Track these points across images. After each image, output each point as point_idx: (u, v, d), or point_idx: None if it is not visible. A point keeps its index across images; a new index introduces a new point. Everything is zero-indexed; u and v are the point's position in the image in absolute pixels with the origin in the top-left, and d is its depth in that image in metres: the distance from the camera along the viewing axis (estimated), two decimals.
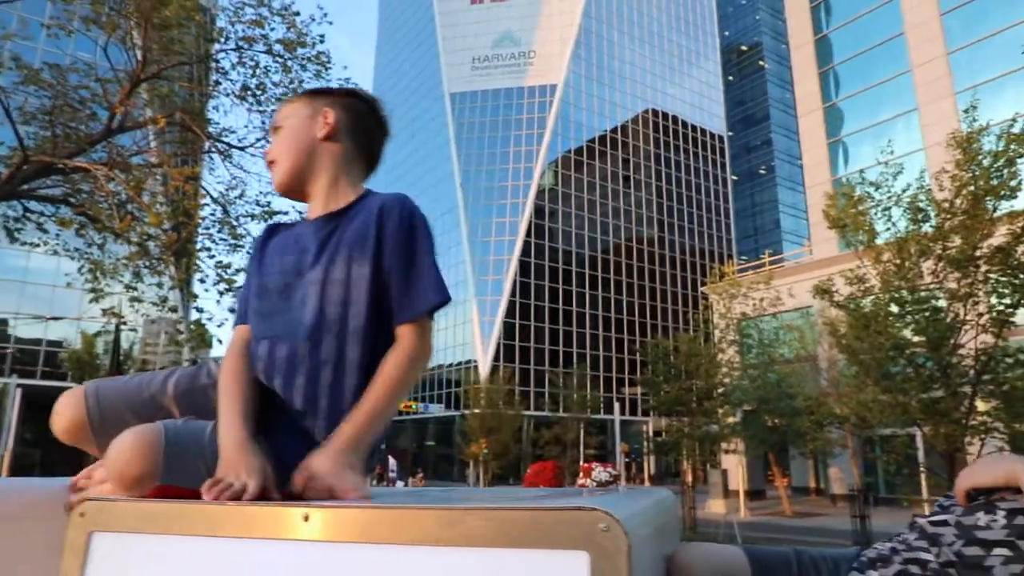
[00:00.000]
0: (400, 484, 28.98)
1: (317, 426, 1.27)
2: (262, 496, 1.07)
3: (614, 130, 70.57)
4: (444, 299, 1.30)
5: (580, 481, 14.14)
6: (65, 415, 1.32)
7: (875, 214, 14.26)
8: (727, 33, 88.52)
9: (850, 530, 16.66)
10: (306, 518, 0.88)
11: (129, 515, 1.00)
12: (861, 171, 16.48)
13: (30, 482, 1.41)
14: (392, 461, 29.43)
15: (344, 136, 1.47)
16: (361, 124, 1.50)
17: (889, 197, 14.16)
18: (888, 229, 13.92)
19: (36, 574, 1.17)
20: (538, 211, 63.17)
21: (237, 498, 1.03)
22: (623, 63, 73.15)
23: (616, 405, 39.42)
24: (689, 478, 22.97)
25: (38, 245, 12.41)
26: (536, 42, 69.16)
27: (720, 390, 22.93)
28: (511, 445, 36.21)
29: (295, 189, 1.45)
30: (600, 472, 13.78)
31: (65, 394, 1.35)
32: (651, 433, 53.94)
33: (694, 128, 77.42)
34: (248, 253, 9.29)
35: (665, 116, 75.07)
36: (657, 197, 71.74)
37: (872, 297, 13.76)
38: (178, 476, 1.11)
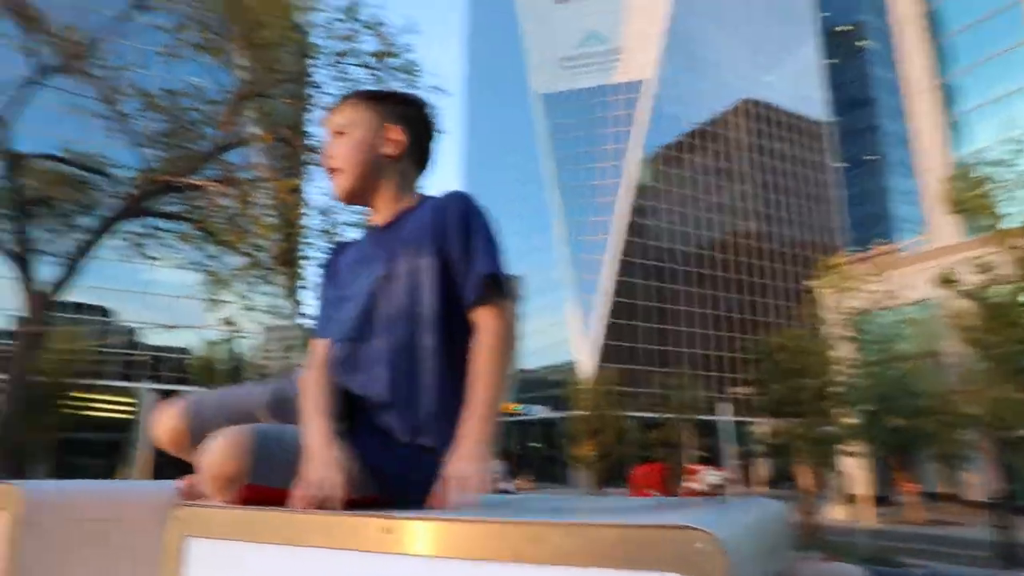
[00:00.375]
0: (505, 485, 29.18)
1: (398, 418, 1.30)
2: (347, 501, 1.09)
3: (709, 122, 68.69)
4: (495, 270, 1.30)
5: (688, 484, 13.80)
6: (166, 426, 1.37)
7: (1001, 196, 13.20)
8: (826, 14, 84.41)
9: (990, 541, 15.38)
10: (387, 530, 0.85)
11: (220, 521, 1.02)
12: (982, 150, 15.29)
13: (137, 484, 1.46)
14: (498, 463, 29.72)
15: (408, 154, 1.51)
16: (421, 136, 1.54)
17: (1018, 177, 13.07)
18: (1018, 212, 12.85)
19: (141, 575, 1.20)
20: (635, 209, 62.28)
21: (323, 504, 1.05)
22: (716, 53, 71.08)
23: (724, 405, 38.28)
24: (805, 482, 21.96)
25: (162, 259, 13.30)
26: (623, 38, 68.23)
27: (834, 389, 21.80)
28: (616, 447, 35.75)
29: (356, 199, 1.51)
30: (709, 475, 13.34)
31: (167, 406, 1.40)
32: (763, 434, 51.98)
33: (794, 116, 74.26)
34: None
35: (762, 105, 72.39)
36: (758, 189, 69.28)
37: (1006, 286, 12.71)
38: (268, 476, 1.14)
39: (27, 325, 10.30)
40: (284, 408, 1.40)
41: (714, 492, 12.31)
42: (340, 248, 1.57)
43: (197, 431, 1.33)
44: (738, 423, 42.11)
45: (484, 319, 1.29)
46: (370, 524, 0.87)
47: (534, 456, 60.09)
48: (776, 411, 22.37)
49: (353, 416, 1.33)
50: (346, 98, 1.51)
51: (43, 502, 1.12)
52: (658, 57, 66.40)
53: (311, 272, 12.45)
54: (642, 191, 63.18)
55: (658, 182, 64.35)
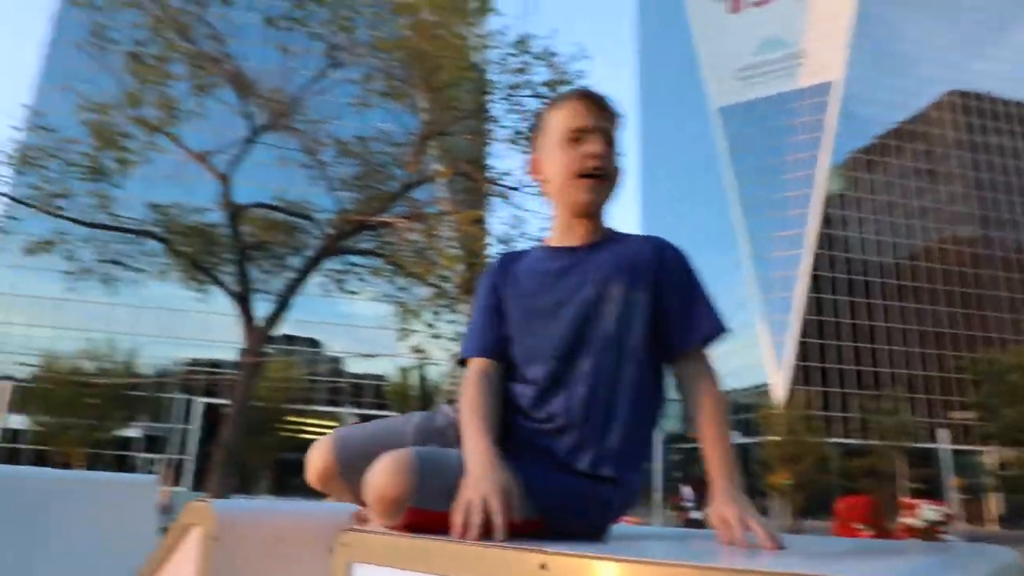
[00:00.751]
0: (696, 515, 28.11)
1: (585, 443, 1.27)
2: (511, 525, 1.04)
3: (910, 120, 62.81)
4: (726, 328, 1.35)
5: (902, 520, 12.37)
6: (316, 463, 1.33)
7: None
8: None
9: None
10: (543, 566, 0.78)
11: (382, 548, 1.03)
12: None
13: (315, 506, 1.51)
14: (687, 491, 28.65)
15: None
16: None
17: None
18: None
19: None
20: (827, 220, 58.18)
21: (483, 528, 1.01)
22: (913, 44, 65.08)
23: (942, 432, 34.33)
24: None
25: (359, 293, 14.38)
26: (806, 40, 64.50)
27: None
28: (816, 476, 33.19)
29: (597, 210, 1.42)
30: (928, 510, 11.89)
31: (316, 443, 1.36)
32: (993, 465, 45.96)
33: (1013, 103, 65.93)
34: None
35: (973, 96, 65.00)
36: (971, 189, 62.03)
37: None
38: (431, 500, 1.11)
39: (247, 357, 11.50)
40: (432, 440, 1.38)
41: (934, 530, 10.94)
42: (510, 257, 1.50)
43: (346, 467, 1.31)
44: (959, 452, 37.55)
45: (702, 365, 1.32)
46: (526, 559, 0.81)
47: None
48: (1008, 439, 19.64)
49: (518, 434, 1.29)
50: (607, 102, 1.40)
51: (230, 520, 1.19)
52: (845, 56, 62.04)
53: None
54: (835, 200, 58.94)
55: (853, 189, 59.72)
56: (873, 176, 60.63)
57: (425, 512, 1.10)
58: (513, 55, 12.15)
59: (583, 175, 1.35)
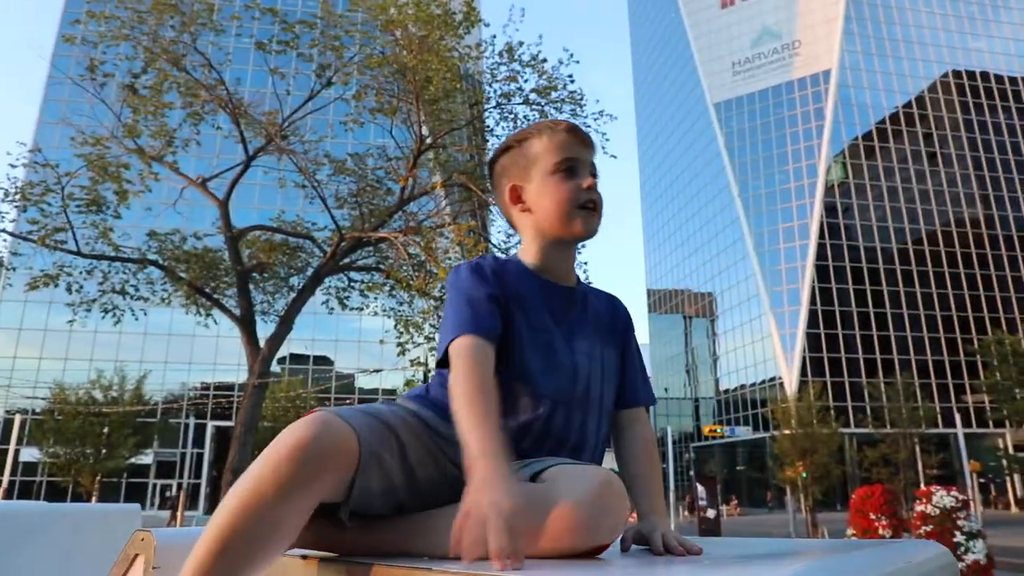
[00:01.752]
0: (711, 512, 28.01)
1: None
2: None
3: (908, 105, 62.49)
4: (655, 403, 1.48)
5: (920, 508, 12.27)
6: (330, 438, 0.98)
7: None
8: None
9: None
10: None
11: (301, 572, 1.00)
12: None
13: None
14: (700, 489, 28.52)
15: None
16: None
17: None
18: None
19: None
20: (829, 209, 57.94)
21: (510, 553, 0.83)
22: (908, 27, 64.86)
23: (957, 416, 34.08)
24: None
25: (362, 309, 14.43)
26: (799, 30, 64.40)
27: None
28: (831, 467, 32.91)
29: (587, 240, 1.36)
30: (943, 496, 11.78)
31: (313, 420, 0.99)
32: (1010, 447, 45.48)
33: (1012, 81, 65.50)
34: None
35: (972, 75, 64.65)
36: (975, 170, 61.61)
37: None
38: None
39: (252, 378, 11.56)
40: (415, 426, 1.17)
41: (951, 516, 10.87)
42: (500, 266, 1.30)
43: (367, 458, 1.02)
44: (975, 436, 37.22)
45: (644, 416, 1.39)
46: None
47: (741, 479, 57.18)
48: (1022, 420, 19.49)
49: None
50: (589, 138, 1.35)
51: (170, 548, 1.20)
52: (840, 44, 61.91)
53: None
54: (838, 189, 58.70)
55: (855, 177, 59.44)
56: (875, 163, 60.33)
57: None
58: (503, 64, 12.24)
59: (583, 206, 1.28)
